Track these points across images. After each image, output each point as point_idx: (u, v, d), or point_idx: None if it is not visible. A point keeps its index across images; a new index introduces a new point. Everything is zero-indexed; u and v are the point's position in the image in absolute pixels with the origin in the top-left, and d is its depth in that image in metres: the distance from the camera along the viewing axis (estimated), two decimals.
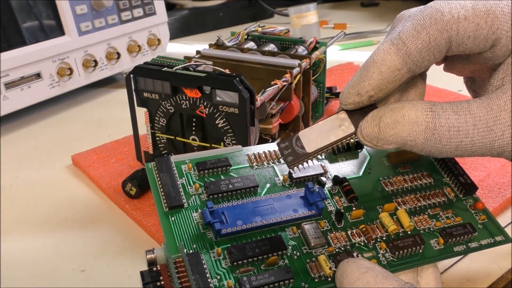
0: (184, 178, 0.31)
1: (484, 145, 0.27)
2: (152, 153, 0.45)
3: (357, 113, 0.29)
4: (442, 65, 0.33)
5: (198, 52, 0.49)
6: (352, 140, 0.29)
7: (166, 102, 0.42)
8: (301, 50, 0.49)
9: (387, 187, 0.33)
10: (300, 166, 0.29)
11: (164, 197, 0.30)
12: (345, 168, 0.34)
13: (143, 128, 0.44)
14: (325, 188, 0.32)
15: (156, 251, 0.28)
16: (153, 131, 0.44)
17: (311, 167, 0.33)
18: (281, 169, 0.33)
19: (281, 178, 0.32)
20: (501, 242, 0.31)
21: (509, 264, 0.36)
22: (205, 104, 0.40)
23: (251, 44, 0.51)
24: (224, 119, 0.40)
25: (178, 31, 0.91)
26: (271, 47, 0.51)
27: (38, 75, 0.58)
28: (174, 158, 0.32)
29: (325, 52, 0.51)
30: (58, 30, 0.59)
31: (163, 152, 0.45)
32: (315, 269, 0.28)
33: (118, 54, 0.65)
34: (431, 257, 0.30)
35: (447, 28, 0.27)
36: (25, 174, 0.49)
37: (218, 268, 0.27)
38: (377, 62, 0.27)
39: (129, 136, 0.52)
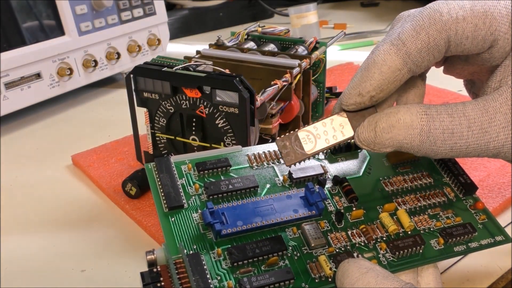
0: (184, 179, 0.31)
1: (478, 147, 0.27)
2: (152, 153, 0.45)
3: (357, 116, 0.29)
4: (442, 67, 0.33)
5: (198, 52, 0.49)
6: (352, 141, 0.30)
7: (166, 102, 0.42)
8: (301, 50, 0.49)
9: (387, 187, 0.33)
10: (300, 166, 0.29)
11: (164, 198, 0.30)
12: (345, 168, 0.34)
13: (143, 128, 0.44)
14: (325, 188, 0.32)
15: (156, 251, 0.28)
16: (153, 131, 0.44)
17: (311, 167, 0.33)
18: (281, 169, 0.33)
19: (281, 178, 0.32)
20: (501, 242, 0.31)
21: (509, 264, 0.36)
22: (205, 104, 0.40)
23: (251, 44, 0.51)
24: (224, 119, 0.40)
25: (178, 31, 0.91)
26: (271, 47, 0.51)
27: (38, 75, 0.58)
28: (174, 158, 0.32)
29: (325, 52, 0.51)
30: (58, 30, 0.59)
31: (163, 152, 0.45)
32: (316, 269, 0.28)
33: (118, 54, 0.65)
34: (431, 257, 0.30)
35: (446, 28, 0.27)
36: (25, 174, 0.49)
37: (219, 268, 0.27)
38: (377, 63, 0.28)
39: (129, 136, 0.52)
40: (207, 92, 0.40)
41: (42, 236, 0.41)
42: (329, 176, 0.33)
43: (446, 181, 0.34)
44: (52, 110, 0.63)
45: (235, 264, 0.27)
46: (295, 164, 0.30)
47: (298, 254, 0.29)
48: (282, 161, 0.33)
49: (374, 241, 0.30)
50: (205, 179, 0.31)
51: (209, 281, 0.26)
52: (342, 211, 0.31)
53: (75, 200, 0.45)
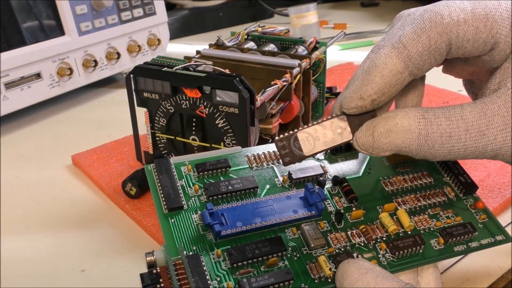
0: (183, 180, 0.31)
1: (476, 149, 0.27)
2: (152, 153, 0.45)
3: (357, 120, 0.29)
4: (441, 67, 0.33)
5: (198, 52, 0.49)
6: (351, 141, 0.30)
7: (166, 102, 0.42)
8: (301, 50, 0.49)
9: (387, 187, 0.33)
10: (299, 166, 0.29)
11: (163, 199, 0.30)
12: (345, 168, 0.34)
13: (143, 128, 0.44)
14: (325, 189, 0.32)
15: (155, 253, 0.28)
16: (153, 131, 0.44)
17: (311, 168, 0.33)
18: (281, 170, 0.33)
19: (280, 179, 0.32)
20: (502, 241, 0.31)
21: (509, 264, 0.36)
22: (205, 104, 0.40)
23: (251, 44, 0.51)
24: (224, 119, 0.40)
25: (178, 31, 0.91)
26: (271, 47, 0.51)
27: (38, 75, 0.58)
28: (173, 159, 0.32)
29: (325, 52, 0.51)
30: (58, 30, 0.59)
31: (163, 152, 0.44)
32: (315, 270, 0.28)
33: (118, 54, 0.65)
34: (431, 257, 0.30)
35: (447, 31, 0.27)
36: (25, 174, 0.49)
37: (218, 269, 0.27)
38: (379, 66, 0.28)
39: (129, 136, 0.52)
40: (207, 92, 0.40)
41: (42, 236, 0.41)
42: (329, 176, 0.33)
43: (446, 180, 0.34)
44: (52, 110, 0.63)
45: (235, 265, 0.27)
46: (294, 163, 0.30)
47: (298, 255, 0.29)
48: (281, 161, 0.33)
49: (374, 241, 0.30)
50: (205, 180, 0.31)
51: (209, 282, 0.26)
52: (341, 211, 0.31)
53: (75, 200, 0.45)
